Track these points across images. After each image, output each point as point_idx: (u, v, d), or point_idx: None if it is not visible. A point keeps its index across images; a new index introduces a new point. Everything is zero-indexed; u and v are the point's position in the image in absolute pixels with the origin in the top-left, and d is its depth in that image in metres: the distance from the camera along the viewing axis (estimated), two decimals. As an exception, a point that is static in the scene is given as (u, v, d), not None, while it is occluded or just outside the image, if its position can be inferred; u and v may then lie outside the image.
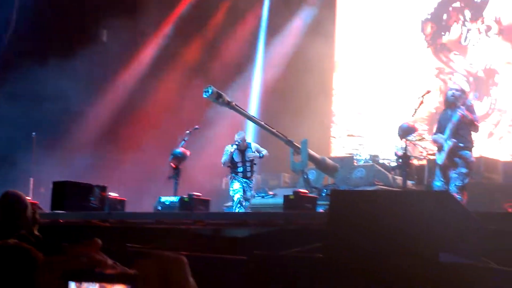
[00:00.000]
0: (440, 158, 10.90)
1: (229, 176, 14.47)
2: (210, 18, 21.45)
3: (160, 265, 1.07)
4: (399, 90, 19.13)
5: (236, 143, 14.03)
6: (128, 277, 1.10)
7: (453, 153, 10.65)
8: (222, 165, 14.31)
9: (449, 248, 4.41)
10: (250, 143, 14.45)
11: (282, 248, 5.55)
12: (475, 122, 10.80)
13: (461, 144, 10.65)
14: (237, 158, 14.16)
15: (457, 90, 11.09)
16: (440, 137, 10.89)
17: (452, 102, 10.91)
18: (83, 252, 1.15)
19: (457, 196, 10.33)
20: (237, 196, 13.89)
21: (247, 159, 14.18)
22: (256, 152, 14.23)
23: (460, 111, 10.56)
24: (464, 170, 10.61)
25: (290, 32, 21.35)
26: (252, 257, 5.17)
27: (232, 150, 14.02)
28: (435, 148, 11.67)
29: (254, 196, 14.87)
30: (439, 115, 11.35)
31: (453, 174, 10.60)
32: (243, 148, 14.14)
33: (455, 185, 10.52)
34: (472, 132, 10.93)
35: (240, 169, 14.19)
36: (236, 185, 14.06)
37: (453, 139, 10.61)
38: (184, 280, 1.07)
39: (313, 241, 5.28)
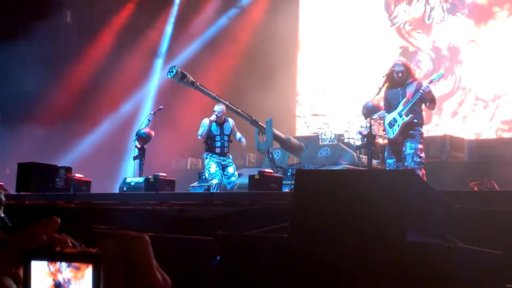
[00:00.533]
0: (392, 132, 10.89)
1: (204, 155, 13.62)
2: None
3: (122, 244, 1.06)
4: (363, 69, 19.17)
5: (215, 114, 13.24)
6: (90, 256, 1.08)
7: (408, 128, 10.64)
8: (199, 137, 13.47)
9: (415, 227, 4.43)
10: (228, 118, 13.54)
11: (247, 228, 5.56)
12: (435, 100, 10.79)
13: (415, 120, 10.64)
14: (215, 131, 13.35)
15: (402, 71, 11.02)
16: (382, 113, 10.88)
17: (399, 80, 10.87)
18: (42, 230, 1.13)
19: (418, 171, 10.38)
20: (215, 181, 13.17)
21: (226, 133, 13.36)
22: (237, 133, 13.62)
23: (424, 88, 10.53)
24: (420, 146, 10.61)
25: (254, 9, 21.30)
26: (218, 237, 5.17)
27: (209, 123, 13.21)
28: None
29: (241, 174, 14.00)
30: (385, 93, 11.22)
31: (409, 150, 10.57)
32: (221, 121, 13.35)
33: (413, 161, 10.50)
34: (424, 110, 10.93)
35: (218, 144, 13.33)
36: (213, 168, 13.28)
37: (410, 114, 10.60)
38: (147, 258, 1.06)
39: (278, 221, 5.30)
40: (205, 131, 13.21)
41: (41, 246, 1.12)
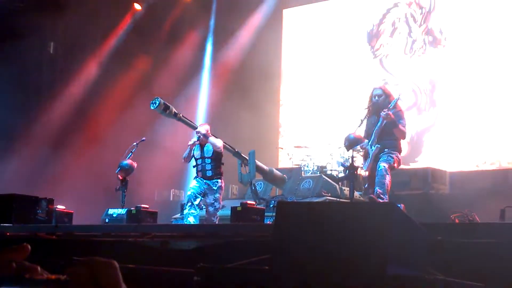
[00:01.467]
0: (366, 165, 10.95)
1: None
2: (158, 29, 21.43)
3: (91, 269, 1.07)
4: (346, 101, 19.23)
5: (198, 136, 12.79)
6: (59, 283, 1.09)
7: (377, 157, 10.67)
8: (183, 160, 13.10)
9: (395, 259, 4.44)
10: (209, 138, 12.89)
11: (229, 260, 5.55)
12: (400, 126, 10.75)
13: (386, 150, 10.66)
14: (196, 154, 12.86)
15: (379, 95, 11.05)
16: (365, 144, 10.91)
17: (378, 106, 10.90)
18: (12, 257, 1.14)
19: (386, 175, 10.35)
20: (188, 193, 12.84)
21: (206, 155, 12.77)
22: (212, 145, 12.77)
23: (383, 114, 10.53)
24: (391, 157, 10.58)
25: (238, 40, 21.39)
26: (199, 269, 5.16)
27: (191, 144, 12.74)
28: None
29: (223, 207, 13.36)
30: (366, 121, 11.24)
31: (380, 163, 10.56)
32: (203, 143, 12.80)
33: (383, 167, 10.47)
34: (400, 140, 10.93)
35: (199, 167, 12.85)
36: (193, 183, 12.89)
37: (377, 144, 10.63)
38: (116, 283, 1.07)
39: (259, 253, 5.30)
40: (186, 154, 12.95)
41: (10, 273, 1.13)
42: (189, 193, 12.74)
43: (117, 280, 1.11)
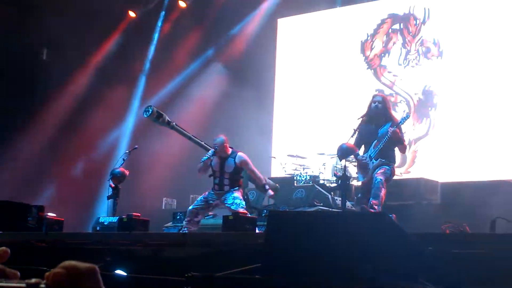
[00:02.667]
0: (361, 177, 10.97)
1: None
2: (152, 35, 21.48)
3: (71, 274, 1.06)
4: (339, 111, 19.22)
5: (215, 148, 12.26)
6: None
7: (375, 169, 10.68)
8: (198, 171, 12.53)
9: (386, 270, 4.44)
10: (236, 153, 12.44)
11: (220, 269, 5.55)
12: (404, 143, 10.81)
13: (383, 160, 10.66)
14: (214, 167, 12.37)
15: (380, 102, 11.03)
16: (364, 157, 10.88)
17: (375, 115, 10.90)
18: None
19: (382, 188, 10.36)
20: (188, 208, 12.57)
21: (226, 171, 12.30)
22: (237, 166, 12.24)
23: (392, 129, 10.54)
24: (389, 169, 10.62)
25: (231, 47, 21.42)
26: (189, 278, 5.15)
27: (209, 156, 12.19)
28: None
29: (215, 215, 13.55)
30: (359, 128, 11.18)
31: (376, 176, 10.58)
32: (223, 156, 12.34)
33: (380, 180, 10.48)
34: (396, 151, 10.95)
35: (216, 181, 12.36)
36: (199, 197, 12.63)
37: (379, 158, 10.64)
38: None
39: (251, 262, 5.29)
40: (202, 165, 12.35)
41: None
42: (190, 207, 12.48)
43: (97, 285, 1.10)
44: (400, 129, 10.77)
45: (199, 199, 12.61)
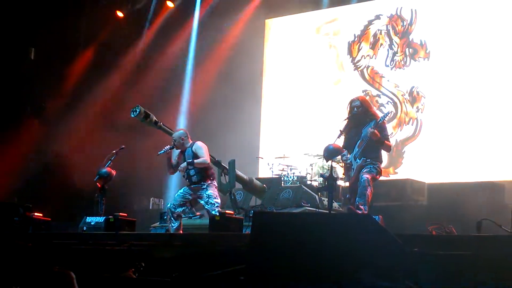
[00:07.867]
0: (348, 177, 10.96)
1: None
2: (140, 35, 21.44)
3: (48, 280, 1.07)
4: (326, 112, 19.22)
5: (172, 143, 12.16)
6: None
7: (360, 169, 10.67)
8: (167, 171, 12.58)
9: (371, 270, 4.44)
10: (195, 143, 12.16)
11: (206, 269, 5.54)
12: (386, 141, 10.77)
13: (368, 160, 10.63)
14: (178, 160, 12.20)
15: (358, 106, 10.99)
16: (349, 157, 10.87)
17: (357, 120, 10.87)
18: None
19: (368, 187, 10.34)
20: (168, 205, 12.34)
21: (188, 160, 11.95)
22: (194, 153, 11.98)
23: (371, 130, 10.51)
24: (375, 168, 10.60)
25: (219, 48, 21.39)
26: (174, 279, 5.15)
27: (165, 150, 12.01)
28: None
29: (202, 216, 13.44)
30: (349, 131, 11.16)
31: (363, 174, 10.56)
32: (182, 149, 12.15)
33: (365, 179, 10.45)
34: (382, 150, 10.92)
35: (184, 174, 12.19)
36: (176, 194, 12.44)
37: (363, 157, 10.62)
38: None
39: (236, 263, 5.29)
40: (168, 163, 12.27)
41: None
42: (168, 205, 12.32)
43: None
44: (382, 128, 10.70)
45: (176, 196, 12.36)
